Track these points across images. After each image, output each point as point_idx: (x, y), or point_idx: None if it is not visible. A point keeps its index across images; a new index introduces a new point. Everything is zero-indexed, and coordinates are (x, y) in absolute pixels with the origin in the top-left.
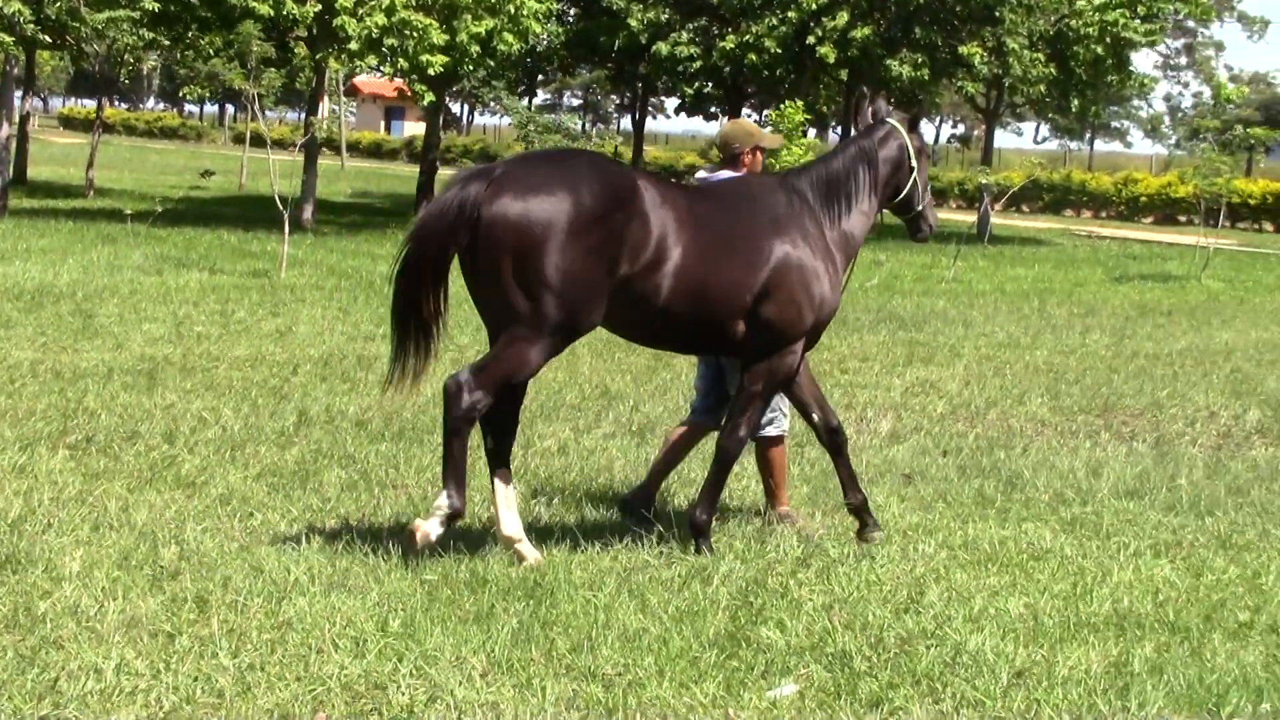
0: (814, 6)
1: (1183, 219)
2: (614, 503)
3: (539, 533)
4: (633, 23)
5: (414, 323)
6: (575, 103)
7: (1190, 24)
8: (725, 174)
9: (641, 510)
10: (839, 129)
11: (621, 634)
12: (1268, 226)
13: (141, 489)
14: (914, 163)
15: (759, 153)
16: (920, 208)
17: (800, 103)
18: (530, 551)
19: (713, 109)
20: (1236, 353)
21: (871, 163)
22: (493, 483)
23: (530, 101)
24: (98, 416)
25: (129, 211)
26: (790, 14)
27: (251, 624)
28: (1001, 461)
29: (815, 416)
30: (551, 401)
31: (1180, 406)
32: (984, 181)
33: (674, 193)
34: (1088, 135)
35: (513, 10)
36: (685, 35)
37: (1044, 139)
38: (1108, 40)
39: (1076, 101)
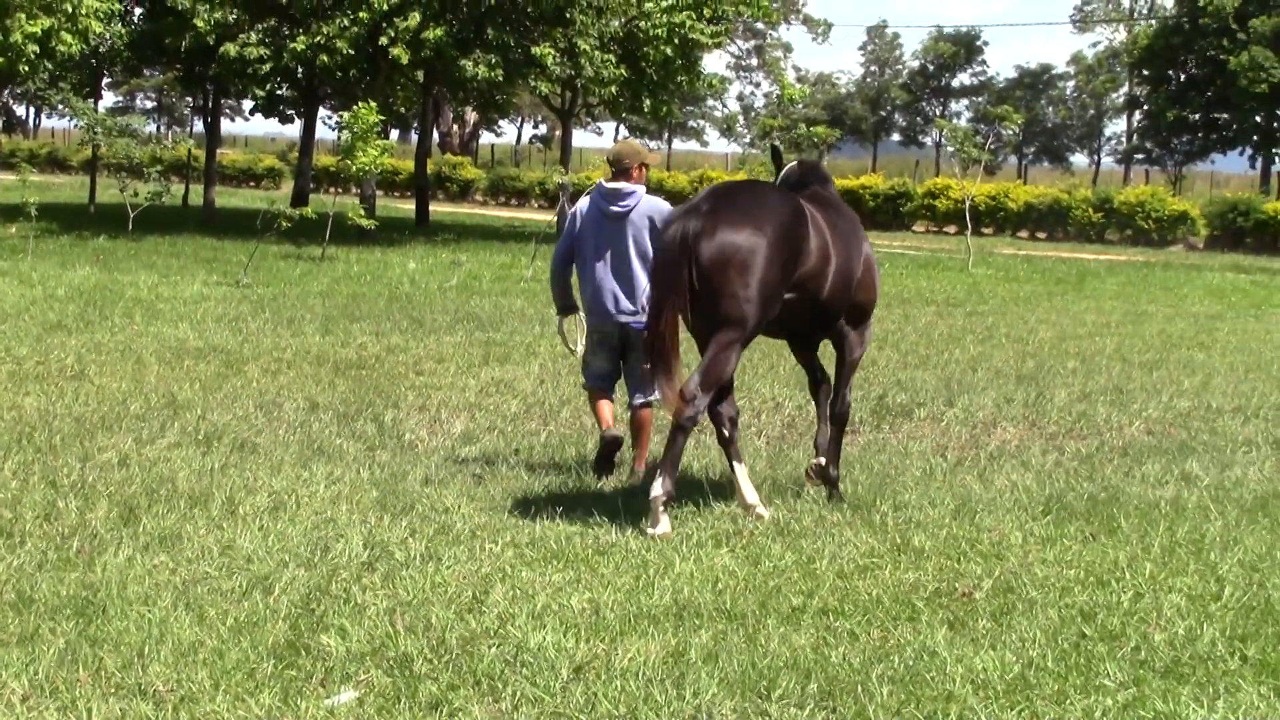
0: (385, 7)
1: None
2: (174, 515)
3: (96, 547)
4: (199, 23)
5: (658, 340)
6: (149, 105)
7: (760, 26)
8: (623, 184)
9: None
10: (418, 129)
11: (176, 648)
12: None
13: None
14: None
15: (645, 167)
16: None
17: (374, 104)
18: (765, 511)
19: (288, 111)
20: None
21: None
22: (732, 466)
23: (98, 103)
24: None
25: None
26: (361, 14)
27: None
28: (572, 459)
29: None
30: (114, 412)
31: (748, 398)
32: (561, 181)
33: (814, 205)
34: (665, 135)
35: (70, 9)
36: (254, 36)
37: (624, 138)
38: (676, 42)
39: (649, 102)
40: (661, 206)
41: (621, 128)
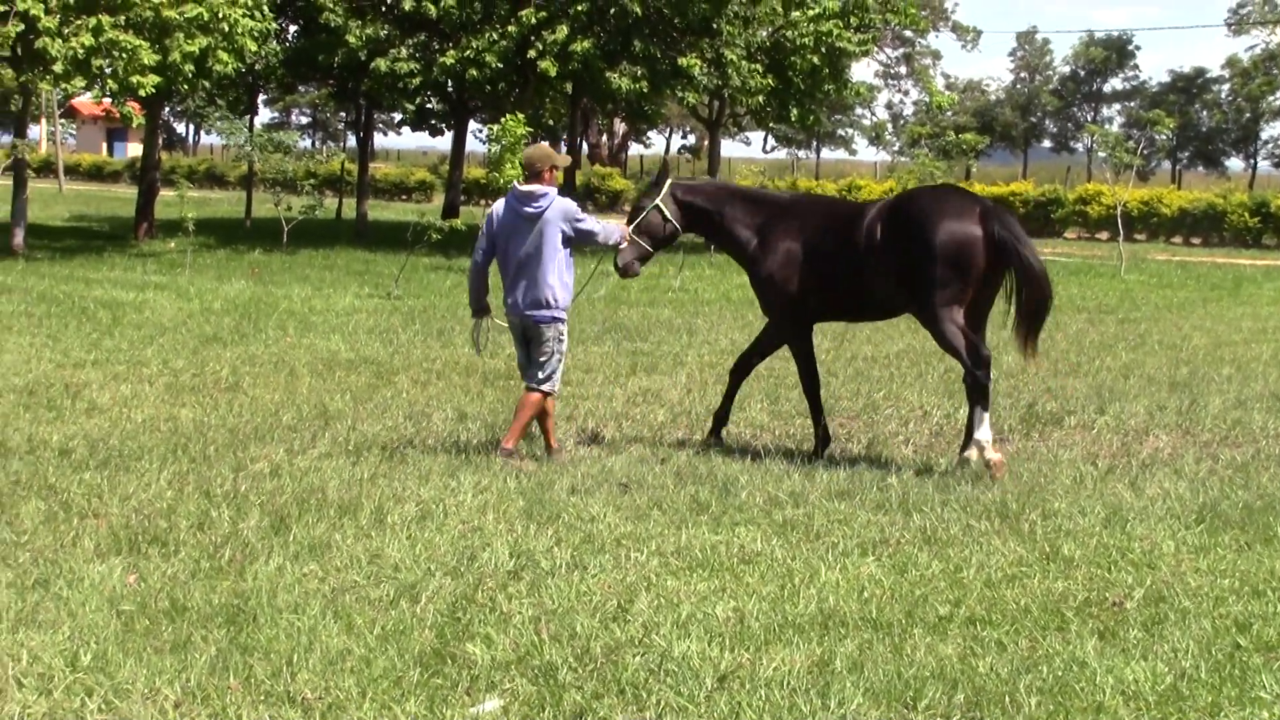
0: (534, 21)
1: None
2: (324, 524)
3: (247, 556)
4: (351, 40)
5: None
6: (304, 120)
7: (908, 34)
8: (536, 186)
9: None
10: (566, 141)
11: (324, 656)
12: None
13: None
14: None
15: (554, 170)
16: None
17: (523, 116)
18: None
19: (439, 124)
20: None
21: None
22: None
23: (252, 120)
24: None
25: None
26: (510, 29)
27: None
28: (718, 467)
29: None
30: (267, 423)
31: (895, 407)
32: None
33: None
34: (813, 144)
35: (227, 29)
36: (405, 51)
37: (773, 148)
38: (823, 50)
39: (796, 111)
40: (570, 207)
41: (769, 137)
